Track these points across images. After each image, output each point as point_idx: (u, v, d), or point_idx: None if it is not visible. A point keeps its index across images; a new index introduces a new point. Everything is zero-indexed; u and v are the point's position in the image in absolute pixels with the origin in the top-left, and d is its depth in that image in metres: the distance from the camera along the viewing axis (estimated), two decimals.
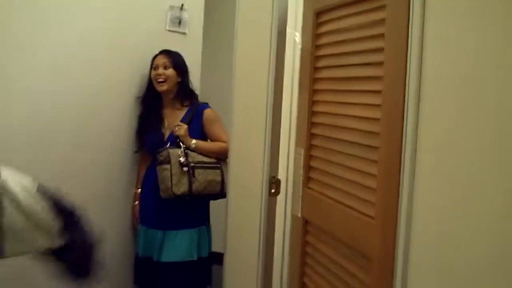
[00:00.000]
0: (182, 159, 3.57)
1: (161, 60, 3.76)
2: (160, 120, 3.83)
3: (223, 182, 3.67)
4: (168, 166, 3.57)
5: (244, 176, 3.01)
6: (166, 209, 3.70)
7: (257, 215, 2.75)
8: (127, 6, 3.72)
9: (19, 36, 3.05)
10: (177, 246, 3.68)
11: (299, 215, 2.51)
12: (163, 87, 3.74)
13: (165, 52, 3.79)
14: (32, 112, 3.18)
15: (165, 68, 3.73)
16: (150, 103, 3.84)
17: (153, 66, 3.78)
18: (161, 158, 3.62)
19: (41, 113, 3.22)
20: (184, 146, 3.64)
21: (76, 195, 3.36)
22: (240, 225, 3.09)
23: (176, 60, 3.78)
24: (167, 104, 3.85)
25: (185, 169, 3.56)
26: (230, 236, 3.21)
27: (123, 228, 3.93)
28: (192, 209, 3.75)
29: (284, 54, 2.67)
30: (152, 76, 3.76)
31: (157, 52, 3.81)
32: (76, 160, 3.48)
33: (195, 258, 3.73)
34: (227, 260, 3.25)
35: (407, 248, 1.72)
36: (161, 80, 3.73)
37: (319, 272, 2.37)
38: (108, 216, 3.74)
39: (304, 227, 2.49)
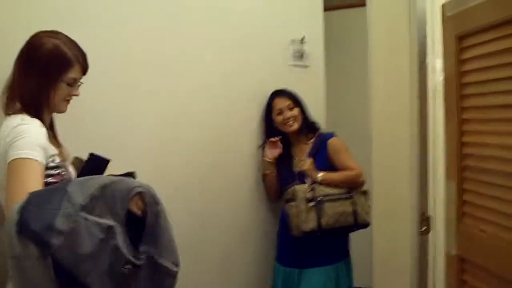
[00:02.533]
0: (308, 194, 3.49)
1: (284, 103, 3.70)
2: (290, 159, 3.77)
3: (355, 213, 3.55)
4: (294, 204, 3.50)
5: (390, 212, 2.90)
6: (301, 247, 3.62)
7: (407, 254, 2.62)
8: (250, 41, 3.70)
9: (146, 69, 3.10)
10: (314, 285, 3.59)
11: (454, 253, 2.37)
12: (294, 127, 3.69)
13: (282, 94, 3.75)
14: (160, 147, 3.20)
15: (290, 109, 3.69)
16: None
17: (274, 111, 3.73)
18: (288, 196, 3.56)
19: (168, 150, 3.23)
20: (311, 180, 3.57)
21: (214, 230, 3.45)
22: (387, 264, 2.98)
23: (296, 99, 3.74)
24: (294, 141, 3.80)
25: (312, 204, 3.47)
26: (376, 275, 3.09)
27: (261, 264, 3.89)
28: (328, 244, 3.63)
29: (426, 83, 2.55)
30: (279, 121, 3.70)
31: (278, 87, 3.78)
32: (209, 198, 3.49)
33: None
34: None
35: None
36: (291, 121, 3.68)
37: None
38: (246, 252, 3.77)
39: (460, 265, 2.35)
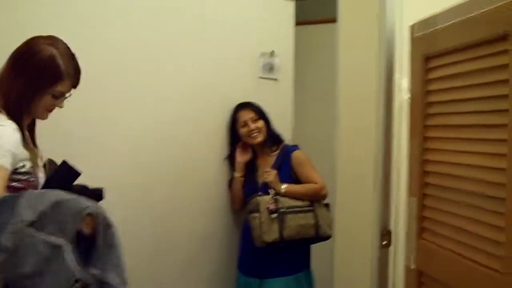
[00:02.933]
0: (271, 206, 3.53)
1: (248, 115, 3.75)
2: (255, 170, 3.82)
3: (317, 225, 3.59)
4: (257, 215, 3.53)
5: (352, 226, 2.95)
6: (262, 256, 3.66)
7: (368, 268, 2.67)
8: (220, 53, 3.74)
9: (125, 86, 3.12)
10: None
11: (413, 266, 2.43)
12: (258, 139, 3.74)
13: (247, 106, 3.80)
14: (133, 158, 3.24)
15: (254, 121, 3.74)
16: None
17: (239, 123, 3.78)
18: (251, 207, 3.60)
19: (140, 159, 3.27)
20: (274, 192, 3.61)
21: (177, 237, 3.47)
22: (348, 276, 3.02)
23: (260, 111, 3.80)
24: (258, 153, 3.84)
25: (274, 215, 3.51)
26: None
27: (223, 273, 3.93)
28: (289, 254, 3.68)
29: (392, 100, 2.61)
30: (244, 133, 3.75)
31: (247, 99, 3.84)
32: (175, 206, 3.53)
33: None
34: None
35: None
36: (255, 133, 3.72)
37: None
38: (207, 261, 3.81)
39: (419, 279, 2.41)
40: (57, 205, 1.81)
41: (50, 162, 2.30)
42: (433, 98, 2.31)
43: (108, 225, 1.91)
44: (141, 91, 3.26)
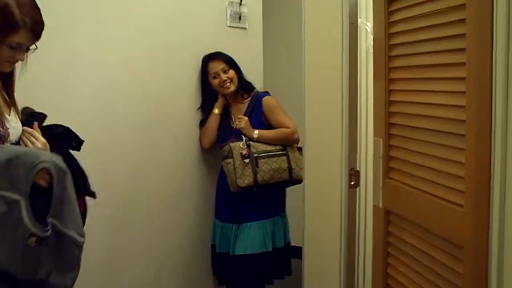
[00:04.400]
0: (243, 151, 3.59)
1: (219, 66, 3.78)
2: (228, 118, 3.86)
3: (290, 168, 3.67)
4: (231, 160, 3.61)
5: (321, 168, 3.00)
6: (238, 202, 3.74)
7: (337, 208, 2.74)
8: (187, 4, 3.74)
9: (82, 36, 3.08)
10: (251, 238, 3.71)
11: (381, 205, 2.50)
12: (230, 89, 3.79)
13: (216, 57, 3.83)
14: (102, 110, 3.21)
15: (225, 72, 3.77)
16: (211, 108, 3.89)
17: (210, 74, 3.81)
18: (224, 153, 3.68)
19: (109, 112, 3.25)
20: (247, 138, 3.67)
21: (151, 188, 3.50)
22: (319, 217, 3.09)
23: (230, 61, 3.83)
24: (231, 101, 3.89)
25: (247, 160, 3.57)
26: (308, 229, 3.20)
27: (199, 221, 3.99)
28: (265, 199, 3.77)
29: (356, 44, 2.65)
30: (216, 84, 3.80)
31: (216, 49, 3.86)
32: (148, 157, 3.54)
33: (269, 249, 3.75)
34: (306, 253, 3.25)
35: (501, 233, 1.71)
36: (227, 84, 3.76)
37: (403, 261, 2.35)
38: (183, 210, 3.84)
39: (386, 218, 2.48)
40: (10, 160, 1.80)
41: (26, 108, 2.28)
42: (396, 40, 2.34)
43: (63, 177, 1.89)
44: (109, 45, 3.23)
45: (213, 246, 3.94)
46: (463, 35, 1.85)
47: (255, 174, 3.57)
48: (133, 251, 3.46)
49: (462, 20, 1.85)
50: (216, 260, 3.94)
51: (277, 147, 3.68)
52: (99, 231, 3.12)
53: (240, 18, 4.12)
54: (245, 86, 3.89)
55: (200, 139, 3.92)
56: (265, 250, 3.74)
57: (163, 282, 3.73)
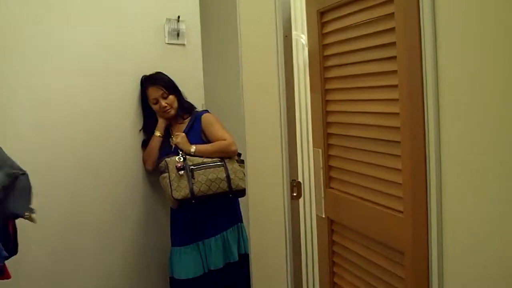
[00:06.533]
0: (178, 164, 3.59)
1: (157, 92, 3.80)
2: (169, 136, 3.87)
3: (229, 178, 3.67)
4: (166, 174, 3.61)
5: (264, 180, 3.01)
6: (194, 223, 3.76)
7: (281, 220, 2.74)
8: (125, 22, 3.72)
9: (21, 60, 3.06)
10: (213, 252, 3.77)
11: (323, 215, 2.52)
12: (171, 113, 3.83)
13: (155, 83, 3.83)
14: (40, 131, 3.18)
15: (164, 98, 3.78)
16: (153, 128, 3.88)
17: (150, 100, 3.82)
18: (161, 169, 3.69)
19: (47, 133, 3.23)
20: (183, 152, 3.66)
21: (93, 208, 3.47)
22: (264, 229, 3.09)
23: (168, 86, 3.84)
24: (172, 121, 3.91)
25: (182, 172, 3.56)
26: (254, 241, 3.21)
27: (144, 240, 3.97)
28: (218, 213, 3.82)
29: (291, 56, 2.66)
30: (157, 109, 3.82)
31: (152, 70, 3.88)
32: (89, 179, 3.51)
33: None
34: (253, 263, 3.25)
35: (440, 237, 1.73)
36: (167, 109, 3.77)
37: (349, 270, 2.38)
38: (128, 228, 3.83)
39: (330, 227, 2.50)
40: None
41: None
42: (330, 51, 2.37)
43: None
44: (48, 68, 3.21)
45: (171, 278, 3.86)
46: (393, 43, 1.88)
47: (191, 185, 3.56)
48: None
49: (392, 29, 1.89)
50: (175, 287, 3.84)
51: (215, 159, 3.69)
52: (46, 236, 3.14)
53: (178, 34, 4.12)
54: (185, 108, 3.92)
55: (143, 161, 3.90)
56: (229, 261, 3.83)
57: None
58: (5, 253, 2.34)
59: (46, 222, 3.08)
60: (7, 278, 2.52)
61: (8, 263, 2.49)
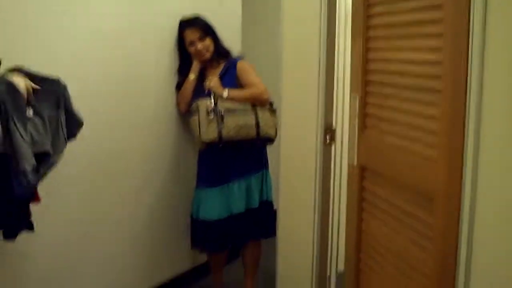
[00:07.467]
0: (209, 107, 3.59)
1: (194, 34, 3.79)
2: (203, 79, 3.87)
3: (258, 126, 3.66)
4: (196, 117, 3.62)
5: (297, 126, 3.03)
6: (219, 165, 3.78)
7: (313, 166, 2.77)
8: None
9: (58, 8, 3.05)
10: (237, 197, 3.79)
11: (355, 162, 2.54)
12: (206, 56, 3.82)
13: (192, 25, 3.82)
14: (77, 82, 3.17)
15: (201, 39, 3.78)
16: (188, 71, 3.90)
17: (186, 42, 3.82)
18: (192, 111, 3.69)
19: (86, 82, 3.22)
20: (216, 96, 3.69)
21: (126, 147, 3.51)
22: (294, 175, 3.12)
23: (206, 28, 3.83)
24: (207, 65, 3.91)
25: (212, 116, 3.58)
26: (283, 187, 3.24)
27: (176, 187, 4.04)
28: (245, 158, 3.82)
29: (335, 5, 2.67)
30: (192, 51, 3.81)
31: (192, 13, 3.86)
32: (124, 120, 3.55)
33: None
34: (281, 211, 3.28)
35: (474, 186, 1.75)
36: (203, 52, 3.78)
37: (377, 216, 2.41)
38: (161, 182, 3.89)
39: (361, 174, 2.53)
40: None
41: None
42: None
43: None
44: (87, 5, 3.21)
45: (192, 218, 3.92)
46: None
47: (219, 129, 3.58)
48: (108, 218, 3.53)
49: None
50: (198, 228, 3.90)
51: (246, 105, 3.69)
52: (70, 205, 3.18)
53: None
54: (221, 53, 3.90)
55: (177, 103, 3.94)
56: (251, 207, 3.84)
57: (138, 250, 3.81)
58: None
59: (86, 152, 3.12)
60: (38, 201, 2.56)
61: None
